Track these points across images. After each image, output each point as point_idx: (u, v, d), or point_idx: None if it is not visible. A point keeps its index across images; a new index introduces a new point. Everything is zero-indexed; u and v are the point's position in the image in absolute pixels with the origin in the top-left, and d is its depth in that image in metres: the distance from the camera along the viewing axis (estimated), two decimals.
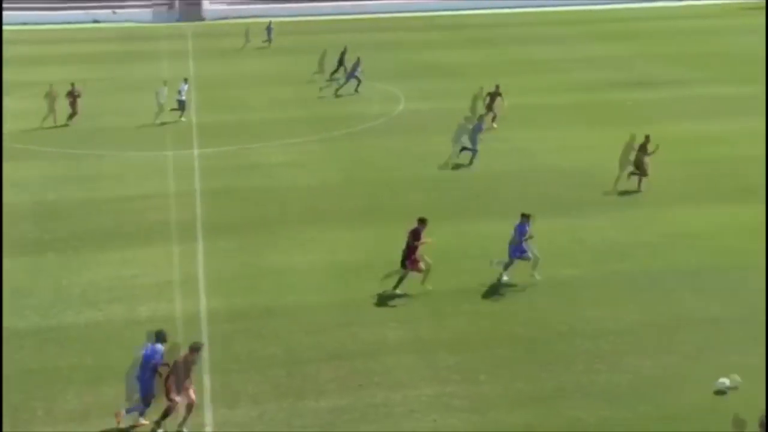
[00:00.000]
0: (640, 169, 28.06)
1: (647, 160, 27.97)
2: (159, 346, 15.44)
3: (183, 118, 38.18)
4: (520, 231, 21.10)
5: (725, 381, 16.65)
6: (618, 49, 57.25)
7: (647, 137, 28.08)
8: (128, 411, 15.56)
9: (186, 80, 39.42)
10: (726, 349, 18.06)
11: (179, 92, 38.29)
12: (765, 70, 45.90)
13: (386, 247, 23.74)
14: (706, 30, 65.64)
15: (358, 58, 44.85)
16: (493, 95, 36.52)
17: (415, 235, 20.75)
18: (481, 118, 33.14)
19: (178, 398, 15.19)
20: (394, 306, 20.29)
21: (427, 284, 20.83)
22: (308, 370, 17.50)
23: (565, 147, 32.91)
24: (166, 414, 15.24)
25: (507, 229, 24.52)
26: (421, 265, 20.77)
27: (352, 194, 28.42)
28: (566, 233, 24.49)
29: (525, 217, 21.26)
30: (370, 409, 16.18)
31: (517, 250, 21.13)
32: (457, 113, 39.12)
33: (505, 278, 21.31)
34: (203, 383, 16.92)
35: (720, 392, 16.53)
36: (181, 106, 38.21)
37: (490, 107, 36.12)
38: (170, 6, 79.72)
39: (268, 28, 60.82)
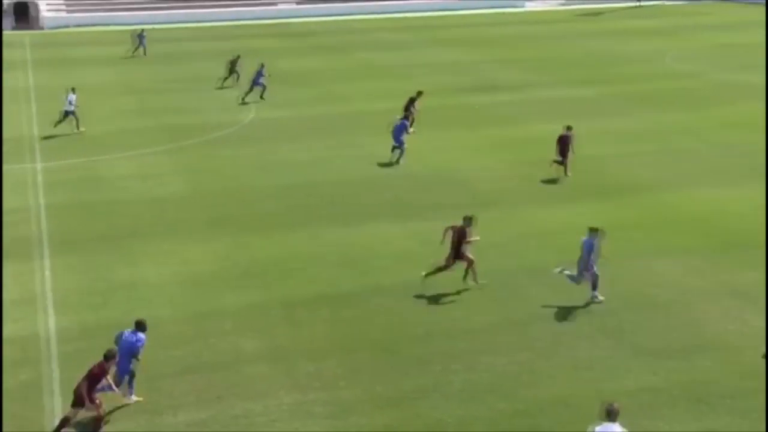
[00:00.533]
0: (564, 156, 29.97)
1: (570, 147, 29.94)
2: (141, 335, 16.28)
3: (82, 128, 36.72)
4: (588, 247, 20.07)
5: None
6: (462, 54, 58.63)
7: (569, 127, 30.11)
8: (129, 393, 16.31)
9: (74, 90, 37.67)
10: (575, 343, 18.70)
11: (69, 103, 36.67)
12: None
13: (240, 257, 23.52)
14: (544, 35, 68.07)
15: (262, 65, 44.37)
16: (413, 100, 36.93)
17: (461, 234, 21.05)
18: (405, 117, 34.28)
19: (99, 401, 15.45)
20: (250, 316, 20.04)
21: (469, 279, 21.30)
22: (164, 384, 17.04)
23: (416, 151, 33.33)
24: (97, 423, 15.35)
25: (363, 235, 24.78)
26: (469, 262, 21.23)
27: (203, 205, 27.92)
28: (419, 236, 24.80)
29: (593, 231, 20.16)
30: (230, 421, 15.92)
31: (587, 267, 20.19)
32: (309, 120, 39.32)
33: (600, 298, 20.34)
34: (54, 405, 16.28)
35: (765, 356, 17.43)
36: (72, 116, 36.65)
37: (408, 110, 36.50)
38: (4, 13, 76.20)
39: (140, 36, 59.29)
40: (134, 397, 16.39)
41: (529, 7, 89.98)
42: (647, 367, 17.63)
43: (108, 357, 15.67)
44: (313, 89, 46.44)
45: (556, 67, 53.09)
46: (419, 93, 37.45)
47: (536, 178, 30.15)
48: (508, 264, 22.87)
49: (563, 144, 30.00)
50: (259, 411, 16.24)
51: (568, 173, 30.04)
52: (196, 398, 16.62)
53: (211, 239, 24.83)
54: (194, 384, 17.08)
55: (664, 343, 18.65)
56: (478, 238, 21.60)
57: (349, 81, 49.23)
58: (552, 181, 29.84)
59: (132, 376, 16.33)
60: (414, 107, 36.54)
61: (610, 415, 13.37)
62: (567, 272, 20.67)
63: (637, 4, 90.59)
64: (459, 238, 21.13)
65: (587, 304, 20.37)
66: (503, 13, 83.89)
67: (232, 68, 47.30)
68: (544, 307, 20.39)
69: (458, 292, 21.15)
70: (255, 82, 43.55)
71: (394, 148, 32.24)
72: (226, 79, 47.20)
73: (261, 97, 43.34)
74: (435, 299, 20.82)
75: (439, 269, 21.18)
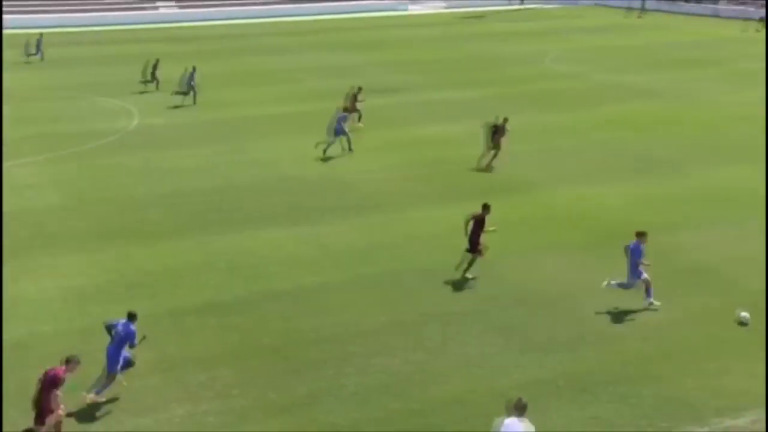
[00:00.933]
0: (495, 147, 31.58)
1: (504, 139, 31.62)
2: (132, 326, 16.66)
3: None
4: (635, 252, 19.90)
5: (746, 314, 19.47)
6: (347, 57, 58.75)
7: (505, 119, 31.89)
8: (97, 392, 16.22)
9: None
10: (467, 341, 18.92)
11: None
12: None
13: (126, 268, 22.91)
14: (428, 38, 68.87)
15: (194, 68, 43.89)
16: (355, 96, 38.06)
17: (480, 223, 21.43)
18: (346, 110, 35.83)
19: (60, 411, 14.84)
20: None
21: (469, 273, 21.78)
22: None
23: (304, 156, 33.24)
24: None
25: (252, 241, 24.52)
26: (483, 250, 21.68)
27: (85, 215, 27.11)
28: (309, 241, 24.73)
29: (640, 236, 20.00)
30: None
31: (635, 273, 20.01)
32: (194, 126, 38.72)
33: (656, 303, 20.12)
34: None
35: (743, 324, 19.32)
36: None
37: (354, 107, 37.40)
38: None
39: (38, 41, 57.39)
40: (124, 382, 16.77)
41: (412, 10, 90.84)
42: (535, 361, 18.00)
43: (69, 361, 15.12)
44: (198, 95, 45.71)
45: (441, 69, 53.75)
46: (359, 89, 38.65)
47: (424, 180, 30.44)
48: (397, 265, 22.97)
49: (496, 135, 31.59)
50: (149, 425, 15.86)
51: (492, 164, 31.59)
52: (80, 416, 16.07)
53: (95, 251, 24.11)
54: (79, 401, 16.52)
55: (551, 336, 19.08)
56: (495, 228, 21.86)
57: (233, 86, 48.73)
58: (439, 182, 30.17)
59: (128, 364, 16.73)
60: (357, 102, 37.80)
61: (519, 410, 13.56)
62: (614, 282, 20.44)
63: (519, 6, 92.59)
64: (477, 226, 21.47)
65: (478, 303, 20.67)
66: (386, 17, 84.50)
67: (153, 73, 46.82)
68: (435, 307, 20.56)
69: (349, 295, 21.14)
70: (188, 86, 43.26)
71: (330, 144, 33.11)
72: (147, 83, 46.68)
73: (194, 102, 43.09)
74: (326, 303, 20.75)
75: (471, 262, 21.71)
